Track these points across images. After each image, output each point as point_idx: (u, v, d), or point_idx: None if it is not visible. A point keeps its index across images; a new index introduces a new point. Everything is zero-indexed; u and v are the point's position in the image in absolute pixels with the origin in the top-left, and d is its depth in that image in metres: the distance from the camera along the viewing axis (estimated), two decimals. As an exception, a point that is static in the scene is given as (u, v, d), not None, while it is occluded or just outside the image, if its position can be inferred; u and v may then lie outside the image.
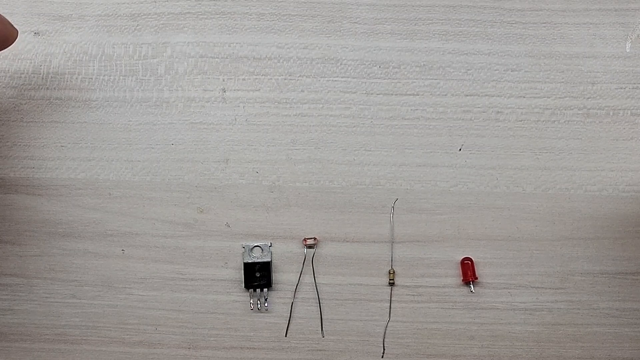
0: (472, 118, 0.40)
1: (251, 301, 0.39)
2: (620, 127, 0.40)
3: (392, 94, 0.41)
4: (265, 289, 0.39)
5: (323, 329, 0.39)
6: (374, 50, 0.41)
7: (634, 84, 0.41)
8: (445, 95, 0.41)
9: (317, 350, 0.39)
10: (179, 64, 0.41)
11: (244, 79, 0.41)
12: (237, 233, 0.40)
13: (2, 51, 0.35)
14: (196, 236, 0.40)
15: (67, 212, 0.40)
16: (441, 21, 0.41)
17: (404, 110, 0.41)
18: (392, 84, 0.41)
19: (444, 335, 0.39)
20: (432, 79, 0.41)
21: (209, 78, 0.41)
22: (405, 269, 0.39)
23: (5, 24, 0.34)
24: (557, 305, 0.39)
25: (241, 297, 0.39)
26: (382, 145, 0.40)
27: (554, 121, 0.40)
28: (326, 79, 0.41)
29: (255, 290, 0.39)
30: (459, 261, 0.39)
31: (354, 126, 0.40)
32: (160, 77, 0.41)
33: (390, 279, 0.39)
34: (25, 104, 0.40)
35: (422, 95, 0.41)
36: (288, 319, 0.39)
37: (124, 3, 0.41)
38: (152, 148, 0.40)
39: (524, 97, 0.41)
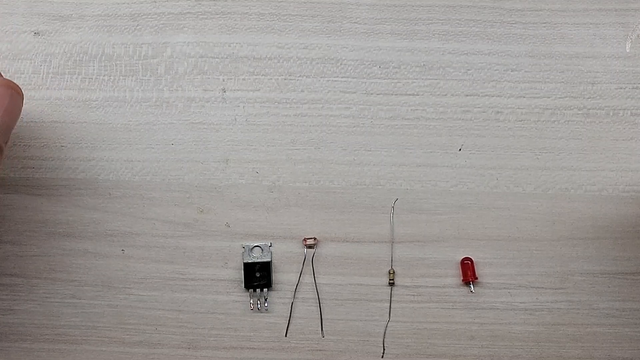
0: (472, 118, 0.40)
1: (251, 301, 0.39)
2: (620, 127, 0.40)
3: (392, 94, 0.41)
4: (265, 289, 0.39)
5: (323, 329, 0.39)
6: (374, 50, 0.41)
7: (634, 84, 0.41)
8: (445, 95, 0.41)
9: (317, 350, 0.39)
10: (179, 64, 0.41)
11: (244, 79, 0.41)
12: (237, 233, 0.40)
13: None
14: (196, 236, 0.40)
15: (67, 212, 0.40)
16: (441, 21, 0.41)
17: (404, 110, 0.41)
18: (392, 84, 0.41)
19: (444, 335, 0.39)
20: (432, 79, 0.41)
21: (209, 78, 0.41)
22: (405, 269, 0.39)
23: (12, 97, 0.33)
24: (557, 305, 0.39)
25: (241, 297, 0.39)
26: (382, 145, 0.40)
27: (554, 121, 0.40)
28: (326, 79, 0.41)
29: (255, 290, 0.39)
30: (459, 261, 0.39)
31: (354, 126, 0.40)
32: (160, 77, 0.41)
33: (390, 279, 0.39)
34: (25, 104, 0.40)
35: (422, 95, 0.41)
36: (288, 319, 0.39)
37: (124, 3, 0.41)
38: (152, 148, 0.40)
39: (524, 97, 0.41)
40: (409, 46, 0.41)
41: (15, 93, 0.33)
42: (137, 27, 0.41)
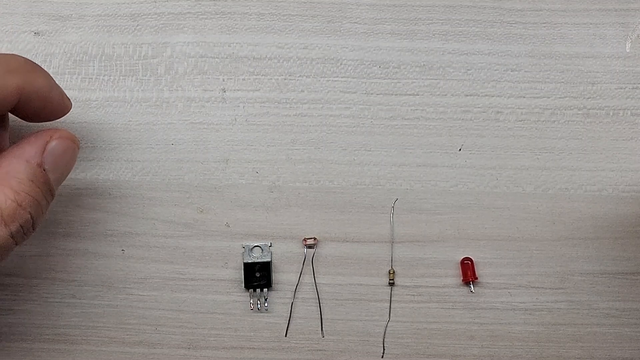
0: (472, 118, 0.40)
1: (251, 301, 0.39)
2: (620, 127, 0.40)
3: (392, 94, 0.41)
4: (265, 289, 0.39)
5: (323, 329, 0.39)
6: (374, 50, 0.41)
7: (634, 84, 0.41)
8: (445, 95, 0.41)
9: (317, 350, 0.39)
10: (179, 64, 0.41)
11: (244, 79, 0.41)
12: (237, 233, 0.40)
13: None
14: (196, 236, 0.40)
15: (67, 212, 0.40)
16: (441, 21, 0.41)
17: (404, 110, 0.41)
18: (392, 84, 0.41)
19: (444, 335, 0.39)
20: (432, 79, 0.41)
21: (209, 78, 0.41)
22: (405, 269, 0.39)
23: (62, 96, 0.35)
24: (557, 305, 0.39)
25: (241, 297, 0.39)
26: (382, 145, 0.40)
27: (554, 121, 0.40)
28: (326, 79, 0.41)
29: (255, 290, 0.39)
30: (459, 261, 0.39)
31: (354, 126, 0.40)
32: (160, 77, 0.41)
33: (390, 279, 0.39)
34: (25, 104, 0.40)
35: (422, 95, 0.41)
36: (288, 319, 0.39)
37: (124, 3, 0.41)
38: (152, 148, 0.40)
39: (524, 97, 0.41)
40: (409, 46, 0.41)
41: (77, 147, 0.35)
42: (137, 27, 0.41)
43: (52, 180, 0.34)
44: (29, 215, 0.32)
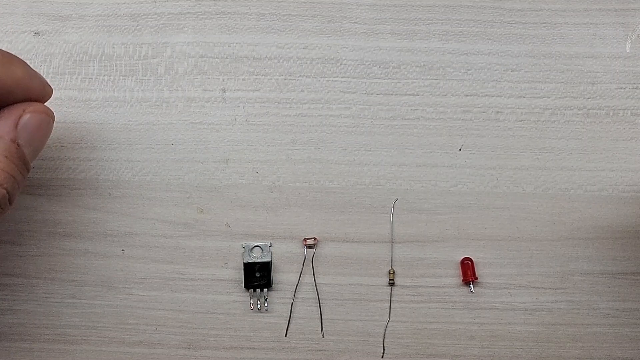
0: (472, 118, 0.41)
1: (251, 301, 0.39)
2: (620, 127, 0.40)
3: (392, 94, 0.41)
4: (265, 289, 0.39)
5: (323, 329, 0.39)
6: (374, 50, 0.41)
7: (634, 84, 0.41)
8: (445, 95, 0.41)
9: (317, 350, 0.39)
10: (179, 64, 0.41)
11: (244, 79, 0.41)
12: (237, 233, 0.40)
13: None
14: (196, 236, 0.40)
15: (67, 212, 0.40)
16: (441, 21, 0.41)
17: (404, 110, 0.41)
18: (392, 84, 0.41)
19: (444, 335, 0.39)
20: (432, 79, 0.41)
21: (209, 78, 0.41)
22: (405, 269, 0.39)
23: (43, 83, 0.35)
24: (557, 305, 0.39)
25: (241, 297, 0.39)
26: (382, 145, 0.40)
27: (554, 121, 0.40)
28: (326, 79, 0.41)
29: (255, 290, 0.39)
30: (459, 261, 0.39)
31: (354, 126, 0.40)
32: (160, 77, 0.41)
33: (390, 279, 0.39)
34: (25, 104, 0.40)
35: (422, 95, 0.41)
36: (288, 319, 0.39)
37: (124, 3, 0.41)
38: (152, 148, 0.40)
39: (524, 97, 0.41)
40: (409, 46, 0.41)
41: (52, 120, 0.35)
42: (137, 27, 0.41)
43: (27, 154, 0.33)
44: (5, 191, 0.32)
